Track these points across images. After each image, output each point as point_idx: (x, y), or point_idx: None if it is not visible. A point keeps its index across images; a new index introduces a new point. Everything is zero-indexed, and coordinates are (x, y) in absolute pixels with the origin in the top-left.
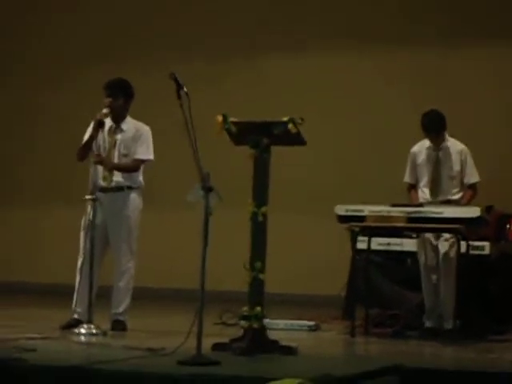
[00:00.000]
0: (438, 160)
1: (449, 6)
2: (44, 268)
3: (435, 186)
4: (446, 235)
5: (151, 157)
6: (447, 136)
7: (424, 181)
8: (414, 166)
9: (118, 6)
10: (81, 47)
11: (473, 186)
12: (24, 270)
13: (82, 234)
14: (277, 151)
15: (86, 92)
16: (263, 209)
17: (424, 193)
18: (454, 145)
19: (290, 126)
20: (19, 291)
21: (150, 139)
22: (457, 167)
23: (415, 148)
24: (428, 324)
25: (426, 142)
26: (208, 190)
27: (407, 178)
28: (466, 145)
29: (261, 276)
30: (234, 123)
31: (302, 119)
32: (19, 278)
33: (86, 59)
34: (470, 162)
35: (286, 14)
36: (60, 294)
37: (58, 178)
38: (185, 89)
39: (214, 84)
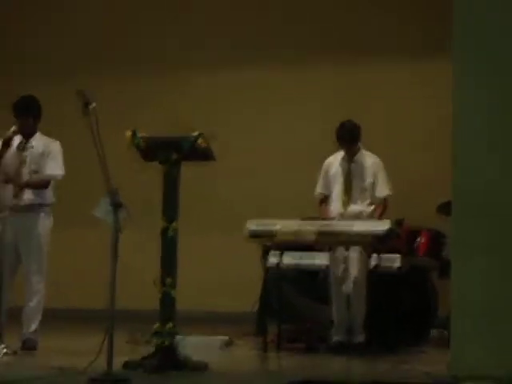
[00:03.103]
0: (350, 171)
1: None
2: None
3: (347, 198)
4: (356, 248)
5: (61, 172)
6: (361, 149)
7: (336, 192)
8: (326, 177)
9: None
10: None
11: (384, 200)
12: None
13: None
14: (188, 167)
15: None
16: (174, 224)
17: (335, 205)
18: (367, 157)
19: (200, 141)
20: None
21: (60, 155)
22: (369, 179)
23: (329, 159)
24: (337, 338)
25: (340, 154)
26: (117, 205)
27: (319, 189)
28: (380, 158)
29: (172, 292)
30: (143, 138)
31: (213, 135)
32: None
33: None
34: (382, 175)
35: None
36: None
37: None
38: (93, 104)
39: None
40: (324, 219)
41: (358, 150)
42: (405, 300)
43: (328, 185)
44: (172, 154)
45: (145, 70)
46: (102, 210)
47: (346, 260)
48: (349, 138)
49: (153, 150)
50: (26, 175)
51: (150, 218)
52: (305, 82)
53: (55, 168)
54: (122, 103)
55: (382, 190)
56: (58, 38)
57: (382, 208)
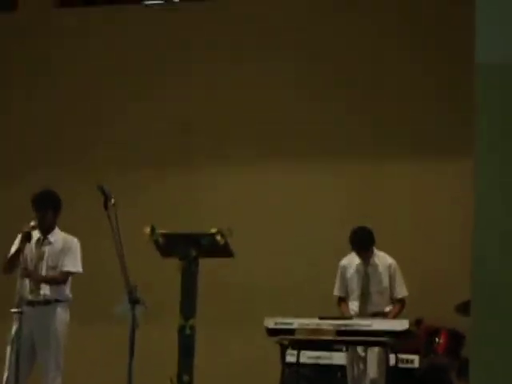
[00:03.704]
0: (366, 275)
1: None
2: None
3: (364, 300)
4: (374, 347)
5: (79, 269)
6: (376, 250)
7: (354, 295)
8: (344, 280)
9: (54, 113)
10: (27, 150)
11: (401, 300)
12: None
13: (8, 348)
14: (208, 262)
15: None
16: (191, 321)
17: (354, 305)
18: (382, 259)
19: (218, 237)
20: None
21: (78, 251)
22: (385, 282)
23: (344, 261)
24: None
25: (355, 257)
26: (135, 302)
27: (337, 292)
28: (399, 255)
29: None
30: (162, 235)
31: (230, 231)
32: None
33: (31, 162)
34: (398, 276)
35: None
36: None
37: None
38: (112, 200)
39: (147, 193)
40: (342, 318)
41: (372, 253)
42: None
43: (346, 287)
44: (191, 250)
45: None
46: (121, 308)
47: (364, 360)
48: (362, 245)
49: (172, 246)
50: (43, 270)
51: (169, 313)
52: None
53: (73, 264)
54: (142, 199)
55: (400, 292)
56: (85, 134)
57: (398, 308)
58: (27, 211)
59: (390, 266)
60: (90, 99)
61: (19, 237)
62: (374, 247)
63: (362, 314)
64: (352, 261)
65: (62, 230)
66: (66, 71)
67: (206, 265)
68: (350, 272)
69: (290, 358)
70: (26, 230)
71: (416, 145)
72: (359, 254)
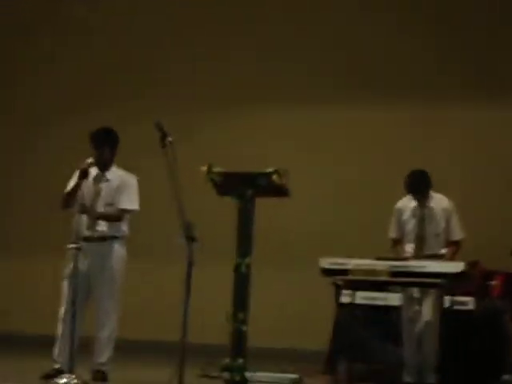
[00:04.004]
0: (423, 218)
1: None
2: (39, 318)
3: (421, 243)
4: (430, 290)
5: (136, 207)
6: (432, 193)
7: (409, 237)
8: (400, 222)
9: (105, 52)
10: (69, 93)
11: (457, 243)
12: (21, 320)
13: (64, 283)
14: (261, 203)
15: (73, 138)
16: (247, 260)
17: (410, 248)
18: (439, 202)
19: (275, 177)
20: (16, 342)
21: (136, 189)
22: (442, 224)
23: (400, 204)
24: (408, 379)
25: (411, 199)
26: (191, 239)
27: (392, 234)
28: (458, 197)
29: (243, 328)
30: (219, 174)
31: (287, 171)
32: (17, 328)
33: (74, 105)
34: (455, 218)
35: (276, 66)
36: (47, 344)
37: (43, 228)
38: (170, 138)
39: (205, 134)
40: (397, 259)
41: (429, 196)
42: (477, 342)
43: (401, 230)
44: (247, 189)
45: (220, 107)
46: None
47: (419, 302)
48: (419, 188)
49: (228, 185)
50: (101, 207)
51: (226, 252)
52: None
53: (130, 202)
54: (197, 138)
55: (456, 234)
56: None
57: (453, 250)
58: (85, 148)
59: (446, 209)
60: None
61: (77, 173)
62: (429, 190)
63: (418, 256)
64: (407, 204)
65: (120, 167)
66: None
67: (260, 206)
68: (406, 215)
69: (344, 298)
70: (84, 166)
71: (468, 89)
72: (415, 197)
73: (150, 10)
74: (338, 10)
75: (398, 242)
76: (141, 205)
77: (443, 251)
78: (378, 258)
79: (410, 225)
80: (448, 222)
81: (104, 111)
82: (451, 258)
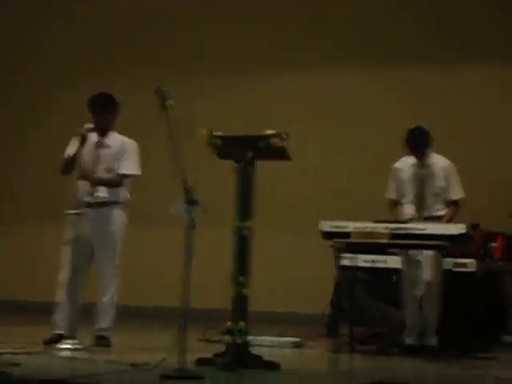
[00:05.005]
0: (422, 177)
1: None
2: (40, 286)
3: (420, 203)
4: (429, 251)
5: (137, 172)
6: (432, 152)
7: (408, 197)
8: (398, 182)
9: (110, 19)
10: (72, 62)
11: (456, 202)
12: (22, 288)
13: (65, 248)
14: (261, 165)
15: (76, 106)
16: (247, 223)
17: (408, 209)
18: (438, 161)
19: (275, 139)
20: (18, 309)
21: (136, 154)
22: (441, 183)
23: (398, 164)
24: (409, 341)
25: (410, 159)
26: (191, 203)
27: (390, 194)
28: (457, 159)
29: (245, 291)
30: (219, 137)
31: (287, 134)
32: (17, 297)
33: (77, 74)
34: (454, 178)
35: (277, 33)
36: (43, 311)
37: (47, 193)
38: (170, 101)
39: (209, 97)
40: (397, 222)
41: (428, 154)
42: (478, 304)
43: (399, 190)
44: (247, 152)
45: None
46: (178, 207)
47: (419, 263)
48: (418, 144)
49: (228, 148)
50: (101, 173)
51: (227, 216)
52: (392, 82)
53: (130, 167)
54: (197, 101)
55: (455, 193)
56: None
57: (452, 210)
58: (84, 113)
59: (446, 168)
60: None
61: (76, 138)
62: (430, 150)
63: (418, 215)
64: (406, 163)
65: (120, 133)
66: None
67: (260, 171)
68: (404, 174)
69: (345, 261)
70: (83, 132)
71: (481, 52)
72: (414, 154)
73: None
74: None
75: (395, 203)
76: (142, 170)
77: (442, 212)
78: (378, 221)
79: (409, 184)
80: (447, 181)
81: (112, 79)
82: (450, 219)
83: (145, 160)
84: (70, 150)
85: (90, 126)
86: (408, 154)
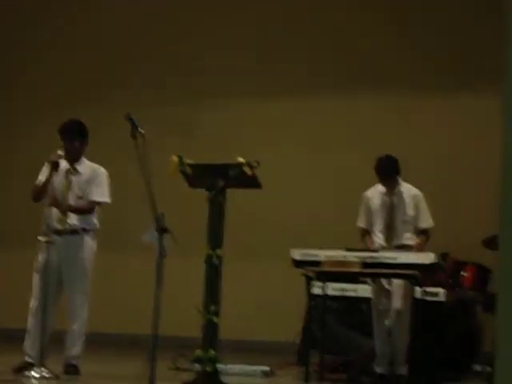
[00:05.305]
0: (391, 205)
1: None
2: (11, 311)
3: (389, 231)
4: (399, 280)
5: (107, 199)
6: (401, 181)
7: (378, 225)
8: (368, 211)
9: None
10: (50, 92)
11: (425, 231)
12: None
13: (34, 275)
14: (233, 193)
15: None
16: (218, 251)
17: (378, 238)
18: (407, 189)
19: (246, 168)
20: None
21: (106, 181)
22: (410, 212)
23: (368, 192)
24: (379, 370)
25: (380, 187)
26: (162, 231)
27: (361, 223)
28: (427, 188)
29: (215, 319)
30: (190, 165)
31: (258, 162)
32: None
33: (55, 104)
34: (423, 206)
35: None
36: (19, 338)
37: (14, 219)
38: (141, 130)
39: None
40: (368, 250)
41: (398, 182)
42: (449, 333)
43: (369, 218)
44: (218, 180)
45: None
46: (149, 235)
47: (389, 293)
48: (387, 172)
49: (199, 176)
50: (71, 200)
51: (196, 244)
52: (355, 108)
53: (101, 194)
54: (169, 128)
55: (424, 222)
56: (109, 66)
57: (423, 240)
58: (55, 141)
59: (415, 196)
60: None
61: (47, 165)
62: (399, 177)
63: (388, 244)
64: (376, 191)
65: (90, 160)
66: None
67: (231, 198)
68: (374, 202)
69: (316, 289)
70: (54, 159)
71: (441, 80)
72: (384, 182)
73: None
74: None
75: (366, 232)
76: (113, 197)
77: (412, 241)
78: (349, 249)
79: (378, 212)
80: (416, 209)
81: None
82: (421, 248)
83: (116, 187)
84: (42, 176)
85: (61, 152)
86: (379, 182)
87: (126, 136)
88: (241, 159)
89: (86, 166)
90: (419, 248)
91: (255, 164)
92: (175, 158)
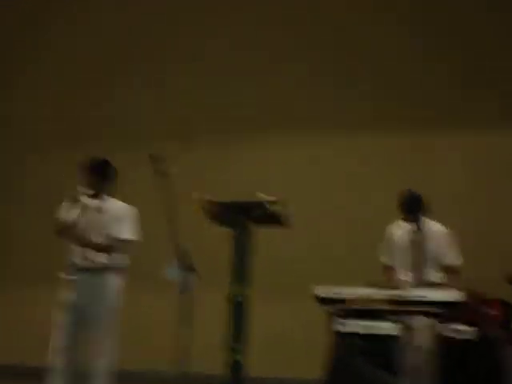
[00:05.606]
0: (418, 242)
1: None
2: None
3: (416, 269)
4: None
5: (134, 237)
6: (426, 218)
7: (403, 262)
8: (392, 247)
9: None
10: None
11: (453, 268)
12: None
13: (60, 315)
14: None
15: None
16: (242, 289)
17: (403, 274)
18: (433, 226)
19: (270, 207)
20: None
21: (134, 220)
22: (436, 249)
23: (392, 227)
24: None
25: (404, 223)
26: (186, 267)
27: (384, 259)
28: (450, 226)
29: (238, 357)
30: (213, 203)
31: (285, 200)
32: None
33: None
34: (450, 243)
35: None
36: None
37: (41, 255)
38: (165, 167)
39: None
40: (394, 287)
41: (421, 218)
42: (473, 371)
43: (393, 254)
44: (241, 219)
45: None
46: (172, 271)
47: (414, 329)
48: (409, 207)
49: (223, 214)
50: (97, 238)
51: (222, 281)
52: (378, 146)
53: (128, 232)
54: (196, 166)
55: (452, 259)
56: (136, 105)
57: (452, 277)
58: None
59: (440, 233)
60: None
61: (68, 202)
62: (423, 214)
63: (415, 283)
64: (400, 227)
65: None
66: None
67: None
68: (398, 238)
69: (339, 327)
70: (80, 196)
71: (467, 117)
72: (406, 218)
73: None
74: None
75: (390, 268)
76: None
77: (438, 278)
78: (371, 285)
79: (404, 249)
80: (443, 246)
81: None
82: (451, 285)
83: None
84: (65, 213)
85: (86, 190)
86: (402, 219)
87: None
88: (267, 197)
89: (113, 203)
90: (449, 285)
91: (282, 202)
92: (196, 195)
